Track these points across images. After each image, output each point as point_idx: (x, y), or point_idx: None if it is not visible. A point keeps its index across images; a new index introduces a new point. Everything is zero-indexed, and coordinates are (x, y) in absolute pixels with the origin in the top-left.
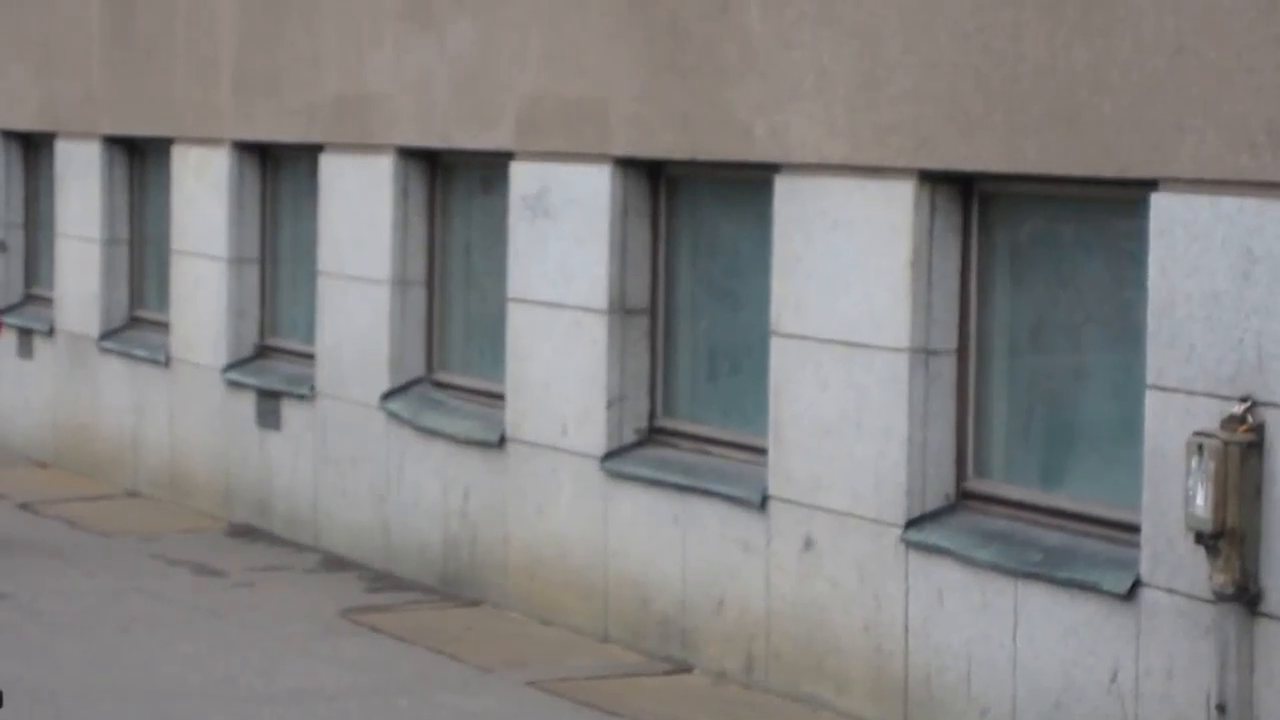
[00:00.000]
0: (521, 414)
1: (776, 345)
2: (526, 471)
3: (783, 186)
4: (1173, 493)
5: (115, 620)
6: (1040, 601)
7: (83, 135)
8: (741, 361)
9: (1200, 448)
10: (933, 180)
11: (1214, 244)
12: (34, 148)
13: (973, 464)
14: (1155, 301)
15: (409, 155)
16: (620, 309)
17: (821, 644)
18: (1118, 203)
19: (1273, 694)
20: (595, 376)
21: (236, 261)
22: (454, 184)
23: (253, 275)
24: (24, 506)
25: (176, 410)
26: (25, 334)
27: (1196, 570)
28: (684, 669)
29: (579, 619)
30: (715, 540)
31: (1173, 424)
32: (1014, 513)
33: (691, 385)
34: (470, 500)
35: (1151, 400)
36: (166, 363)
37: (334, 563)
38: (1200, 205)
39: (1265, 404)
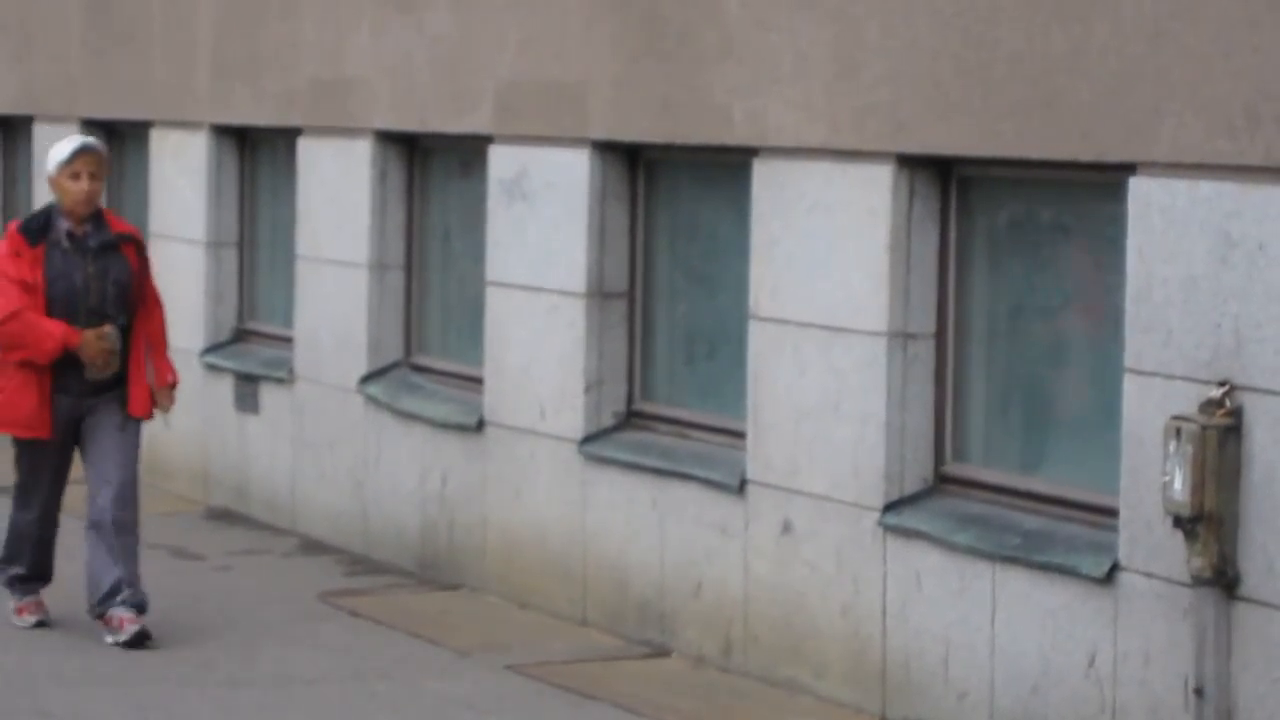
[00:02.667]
0: (500, 398)
1: (755, 329)
2: (504, 455)
3: (761, 170)
4: (1151, 477)
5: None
6: (1018, 585)
7: (61, 118)
8: (720, 345)
9: (1178, 432)
10: (911, 164)
11: (1192, 228)
12: (12, 131)
13: (951, 448)
14: (1133, 286)
15: (387, 139)
16: (598, 293)
17: (799, 628)
18: (1096, 187)
19: (1250, 678)
20: (573, 360)
21: (215, 245)
22: (432, 168)
23: (231, 259)
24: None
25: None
26: None
27: (1174, 554)
28: (662, 653)
29: (557, 603)
30: (693, 524)
31: (1151, 408)
32: (992, 496)
33: (670, 369)
34: (448, 484)
35: (1129, 384)
36: None
37: (312, 546)
38: (1178, 189)
39: (1243, 388)
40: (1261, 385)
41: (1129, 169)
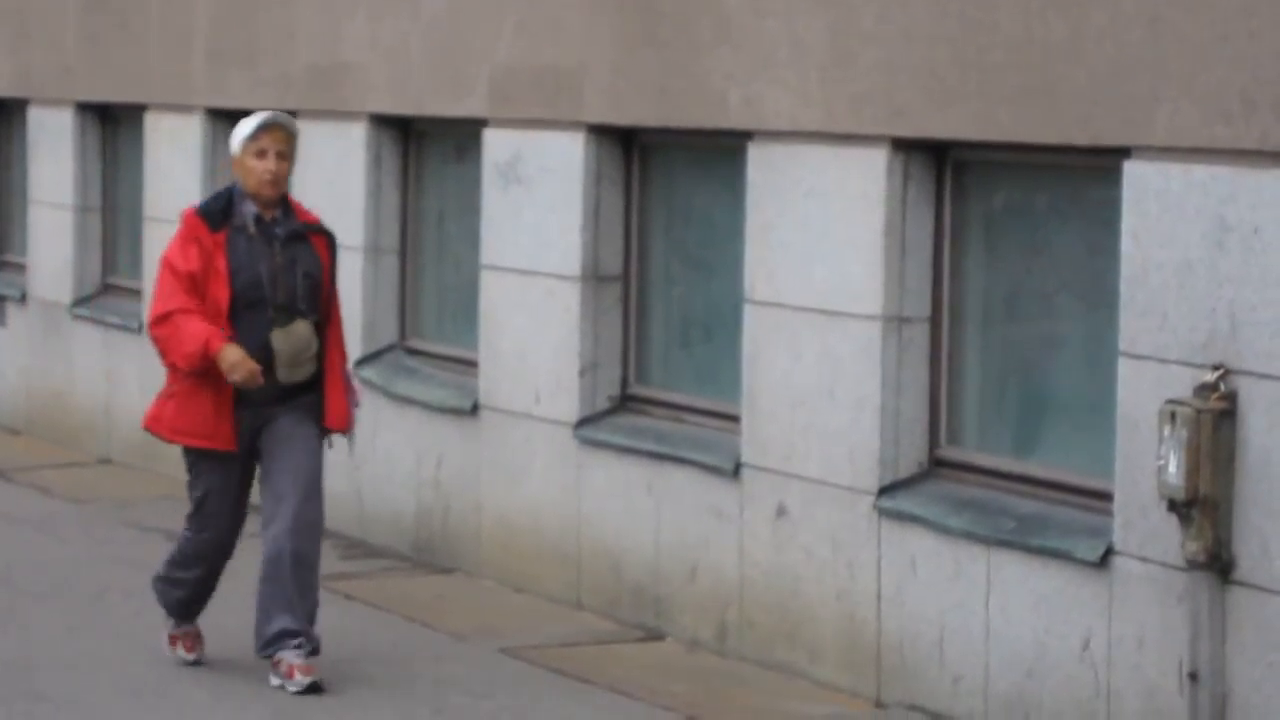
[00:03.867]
0: (494, 382)
1: (750, 313)
2: (499, 439)
3: (756, 155)
4: (1145, 461)
5: (88, 588)
6: (1013, 569)
7: (56, 102)
8: (715, 329)
9: (1173, 416)
10: (906, 148)
11: (1187, 213)
12: (7, 114)
13: (946, 432)
14: (1128, 270)
15: (382, 123)
16: (593, 276)
17: (795, 612)
18: (1092, 171)
19: (1245, 662)
20: (568, 344)
21: None
22: (427, 152)
23: None
24: None
25: (149, 377)
26: None
27: (1169, 538)
28: (657, 637)
29: (552, 587)
30: (688, 508)
31: (1146, 392)
32: (987, 480)
33: (665, 353)
34: (443, 468)
35: (1124, 368)
36: (139, 330)
37: None
38: (1174, 174)
39: (1238, 372)
40: (1256, 369)
41: (1124, 153)
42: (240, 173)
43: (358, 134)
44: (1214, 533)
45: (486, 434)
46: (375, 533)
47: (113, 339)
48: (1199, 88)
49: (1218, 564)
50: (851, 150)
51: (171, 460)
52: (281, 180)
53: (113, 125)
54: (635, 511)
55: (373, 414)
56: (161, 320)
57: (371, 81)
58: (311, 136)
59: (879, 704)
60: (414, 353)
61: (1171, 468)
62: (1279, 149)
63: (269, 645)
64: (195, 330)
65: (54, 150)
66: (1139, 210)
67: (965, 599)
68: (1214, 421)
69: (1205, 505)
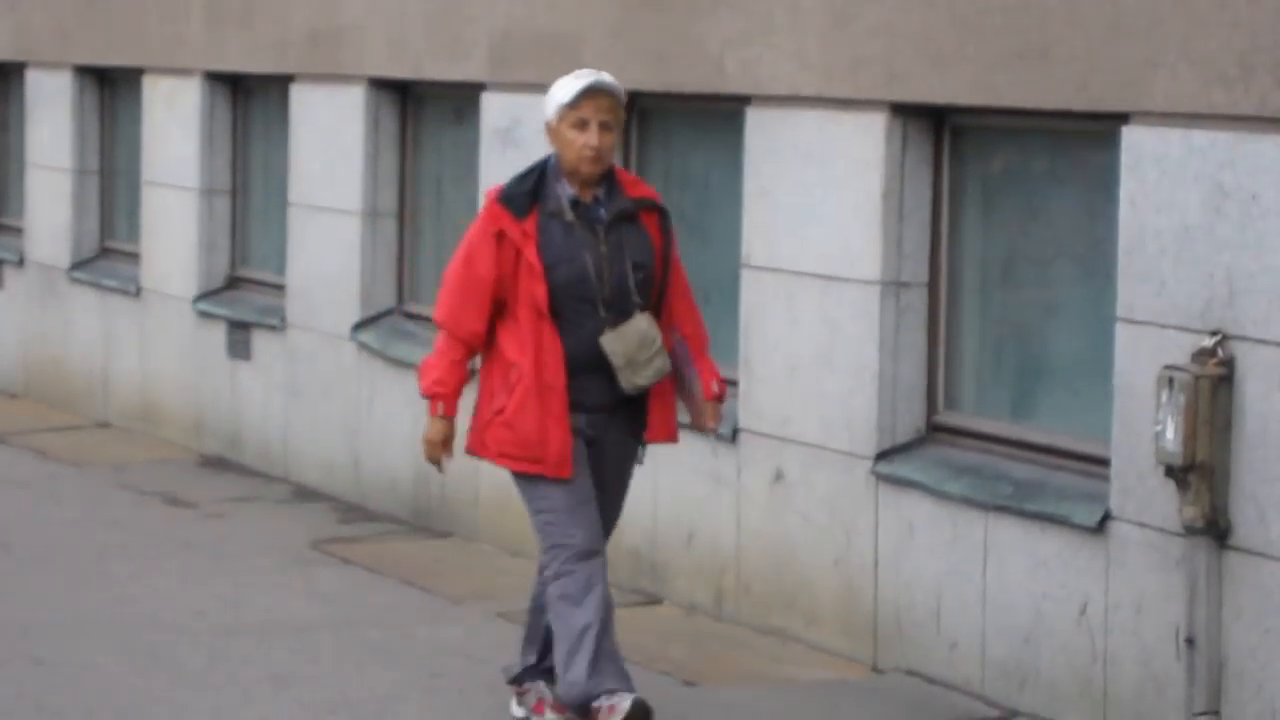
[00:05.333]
0: None
1: (747, 278)
2: None
3: (754, 119)
4: (1143, 426)
5: (86, 552)
6: (1010, 535)
7: (54, 65)
8: (712, 294)
9: (1171, 381)
10: (904, 113)
11: (1185, 178)
12: (5, 77)
13: (943, 397)
14: (1126, 235)
15: (380, 86)
16: None
17: (791, 577)
18: (1089, 136)
19: (1241, 627)
20: None
21: (207, 192)
22: (425, 115)
23: (224, 206)
24: None
25: (147, 341)
26: None
27: (1166, 504)
28: (654, 601)
29: None
30: (686, 473)
31: (1143, 358)
32: (985, 446)
33: None
34: None
35: (1122, 334)
36: (137, 293)
37: (305, 494)
38: (1172, 139)
39: (1236, 338)
40: (1254, 335)
41: (1123, 119)
42: (557, 144)
43: (356, 98)
44: (1211, 498)
45: None
46: (373, 497)
47: (110, 302)
48: (1197, 52)
49: (1215, 529)
50: (849, 115)
51: (170, 424)
52: (605, 155)
53: (110, 88)
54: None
55: (370, 378)
56: (439, 327)
57: (370, 45)
58: (309, 100)
59: (875, 669)
60: (411, 317)
61: (1169, 433)
62: (1277, 114)
63: (528, 677)
64: (440, 376)
65: (52, 113)
66: (1137, 176)
67: (962, 564)
68: (1211, 387)
69: (1202, 471)
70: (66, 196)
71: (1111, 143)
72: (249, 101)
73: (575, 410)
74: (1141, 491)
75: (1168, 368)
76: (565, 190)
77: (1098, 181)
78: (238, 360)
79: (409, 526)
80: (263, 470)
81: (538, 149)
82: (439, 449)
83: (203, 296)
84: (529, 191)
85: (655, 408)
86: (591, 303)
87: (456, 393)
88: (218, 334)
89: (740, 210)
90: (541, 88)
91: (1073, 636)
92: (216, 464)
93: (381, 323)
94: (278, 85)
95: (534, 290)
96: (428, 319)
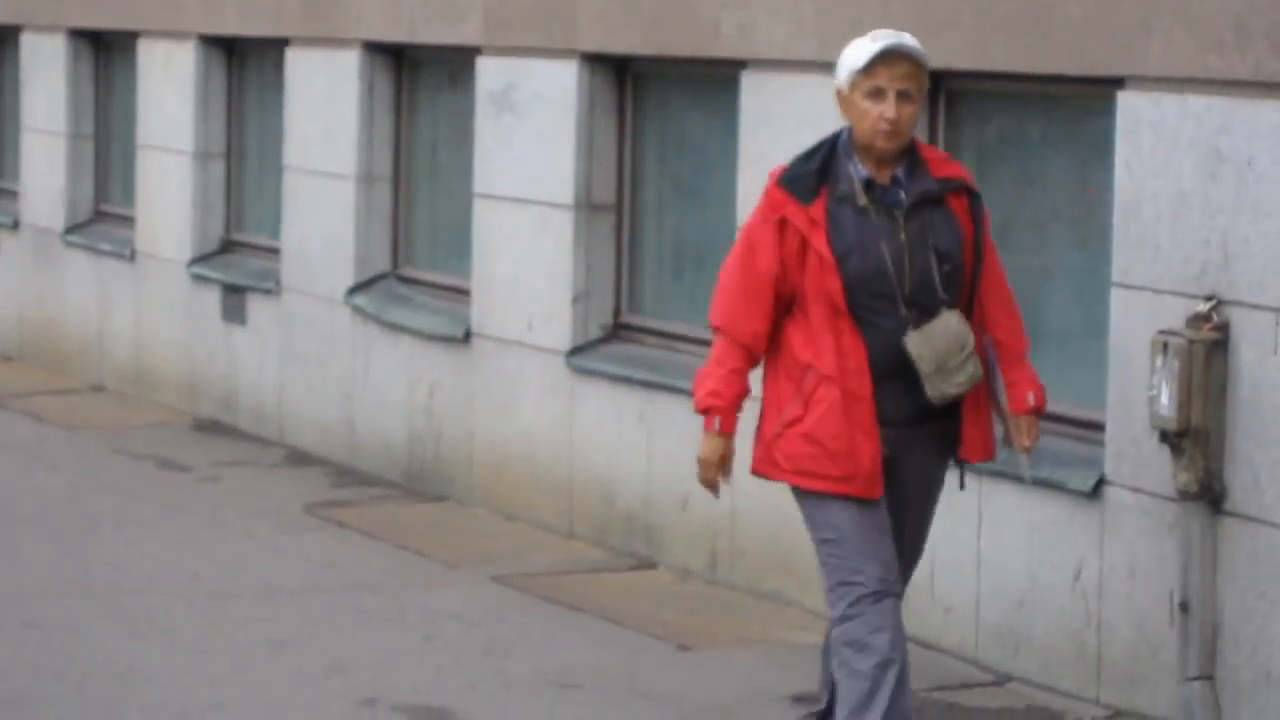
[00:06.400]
0: (487, 310)
1: None
2: (492, 367)
3: (749, 83)
4: (1138, 391)
5: (80, 516)
6: (1004, 500)
7: (49, 28)
8: (707, 258)
9: (1165, 346)
10: None
11: (1181, 143)
12: (0, 40)
13: None
14: (1121, 201)
15: (375, 50)
16: (586, 205)
17: (785, 541)
18: (1085, 101)
19: (1235, 592)
20: (561, 272)
21: (202, 156)
22: (420, 79)
23: (219, 170)
24: None
25: (142, 305)
26: None
27: (1161, 469)
28: (648, 565)
29: (544, 515)
30: (680, 437)
31: (1138, 323)
32: None
33: (657, 282)
34: (436, 396)
35: (1117, 299)
36: (132, 257)
37: (299, 458)
38: (1168, 104)
39: (1230, 303)
40: (1248, 300)
41: (1118, 84)
42: (848, 116)
43: (351, 61)
44: (1205, 463)
45: (479, 362)
46: (367, 461)
47: (105, 266)
48: (1193, 17)
49: (1209, 495)
50: None
51: (165, 388)
52: (903, 130)
53: (105, 51)
54: (627, 440)
55: (365, 342)
56: (715, 331)
57: (365, 9)
58: (304, 63)
59: None
60: (407, 281)
61: (1164, 398)
62: (1273, 79)
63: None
64: (716, 387)
65: (47, 77)
66: (1132, 141)
67: (956, 530)
68: (1206, 352)
69: (1197, 436)
70: (61, 160)
71: (1107, 108)
72: (244, 65)
73: (883, 422)
74: (1136, 457)
75: (1162, 332)
76: (858, 170)
77: (1093, 146)
78: (232, 324)
79: (404, 490)
80: (257, 434)
81: (534, 112)
82: (715, 470)
83: (197, 260)
84: (815, 171)
85: (969, 421)
86: (890, 299)
87: (735, 406)
88: (212, 298)
89: (735, 174)
90: (538, 52)
91: (1067, 602)
92: (211, 428)
93: (376, 287)
94: (273, 49)
95: (828, 282)
96: (423, 283)
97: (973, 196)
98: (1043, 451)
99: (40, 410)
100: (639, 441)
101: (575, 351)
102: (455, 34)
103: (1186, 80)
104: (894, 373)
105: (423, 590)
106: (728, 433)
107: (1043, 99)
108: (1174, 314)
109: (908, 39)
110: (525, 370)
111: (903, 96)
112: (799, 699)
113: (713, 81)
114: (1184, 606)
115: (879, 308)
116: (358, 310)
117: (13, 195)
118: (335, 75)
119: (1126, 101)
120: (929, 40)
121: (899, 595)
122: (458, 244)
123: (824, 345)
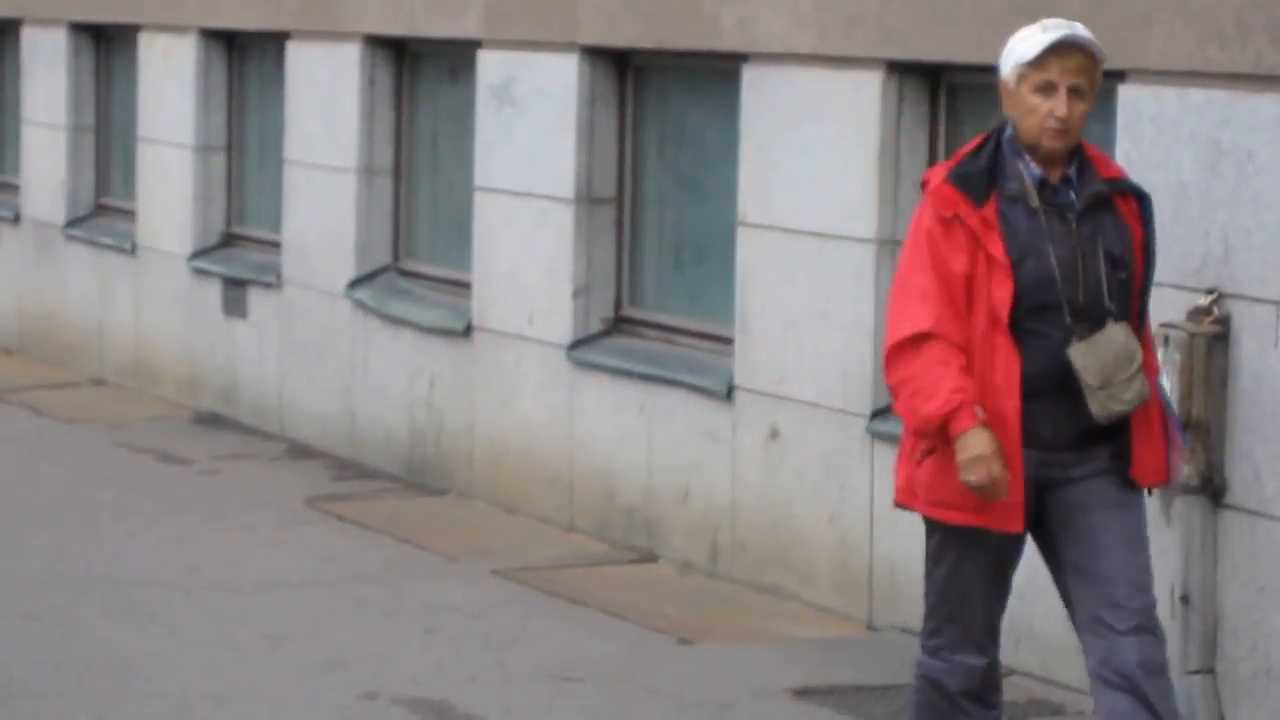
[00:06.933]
0: (488, 303)
1: (743, 236)
2: (492, 361)
3: (750, 77)
4: None
5: (81, 509)
6: None
7: (49, 22)
8: (708, 251)
9: (1166, 339)
10: (900, 71)
11: (1181, 136)
12: (0, 34)
13: None
14: None
15: (376, 43)
16: (587, 198)
17: (786, 535)
18: None
19: (1236, 586)
20: (561, 266)
21: (203, 149)
22: (421, 73)
23: (219, 163)
24: None
25: (142, 298)
26: None
27: None
28: (649, 558)
29: (544, 508)
30: (681, 430)
31: None
32: None
33: (658, 275)
34: (436, 389)
35: None
36: (132, 251)
37: (300, 451)
38: (1168, 98)
39: (1231, 296)
40: (1249, 293)
41: (1119, 77)
42: (1013, 111)
43: (351, 54)
44: (1206, 456)
45: (479, 355)
46: (368, 454)
47: (106, 259)
48: (1193, 10)
49: (1210, 488)
50: (845, 73)
51: (166, 382)
52: (1074, 129)
53: (106, 45)
54: (628, 433)
55: (366, 335)
56: (906, 347)
57: (366, 2)
58: (305, 57)
59: (870, 627)
60: (407, 274)
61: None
62: (1273, 72)
63: None
64: (948, 389)
65: (47, 70)
66: (1133, 134)
67: None
68: (1207, 345)
69: (1198, 429)
70: (62, 153)
71: (1108, 101)
72: (245, 58)
73: (1028, 444)
74: None
75: (1163, 326)
76: (1030, 169)
77: (1094, 139)
78: (233, 317)
79: (404, 483)
80: (258, 427)
81: (535, 106)
82: (993, 464)
83: (198, 254)
84: (985, 169)
85: (1139, 440)
86: (1057, 309)
87: (977, 399)
88: (213, 291)
89: (736, 168)
90: (538, 45)
91: None
92: (211, 421)
93: (377, 280)
94: (274, 42)
95: (993, 292)
96: (424, 276)
97: (1141, 199)
98: None
99: (41, 404)
100: (640, 435)
101: (576, 345)
102: (456, 27)
103: (1187, 73)
104: (1053, 390)
105: (423, 583)
106: (989, 423)
107: None
108: (1175, 307)
109: (1082, 30)
110: (526, 363)
111: (1074, 92)
112: (800, 692)
113: (713, 75)
114: (1184, 599)
115: (1045, 317)
116: (358, 303)
117: (13, 189)
118: (336, 68)
119: (1127, 94)
120: (929, 33)
121: (994, 657)
122: (458, 237)
123: (973, 364)
